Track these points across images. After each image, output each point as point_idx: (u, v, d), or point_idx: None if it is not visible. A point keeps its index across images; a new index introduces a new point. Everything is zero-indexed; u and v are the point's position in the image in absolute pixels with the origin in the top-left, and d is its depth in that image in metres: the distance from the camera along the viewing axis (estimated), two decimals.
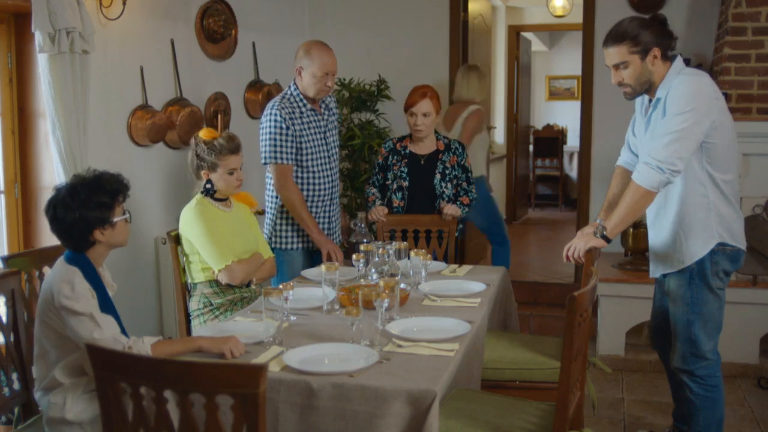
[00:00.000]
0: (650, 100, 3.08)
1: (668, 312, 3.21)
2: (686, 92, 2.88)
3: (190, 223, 3.29)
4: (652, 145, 2.93)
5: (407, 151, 4.15)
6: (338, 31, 5.74)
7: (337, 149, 4.08)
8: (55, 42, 3.53)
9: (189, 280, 3.39)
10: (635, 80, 3.01)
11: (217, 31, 4.90)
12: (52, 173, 3.74)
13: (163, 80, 4.53)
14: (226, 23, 4.97)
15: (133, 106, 4.30)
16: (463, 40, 5.92)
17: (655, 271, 3.20)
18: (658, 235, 3.15)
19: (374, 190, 4.19)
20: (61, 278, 2.38)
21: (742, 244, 3.07)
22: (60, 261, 2.49)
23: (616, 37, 3.00)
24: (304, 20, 6.01)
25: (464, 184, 4.14)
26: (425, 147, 4.14)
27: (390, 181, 4.15)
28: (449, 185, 4.11)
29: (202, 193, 3.36)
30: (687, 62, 5.12)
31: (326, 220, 3.97)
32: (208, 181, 3.34)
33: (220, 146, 3.28)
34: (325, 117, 3.96)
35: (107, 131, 4.14)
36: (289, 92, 3.86)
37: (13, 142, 3.88)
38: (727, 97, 4.75)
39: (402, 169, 4.12)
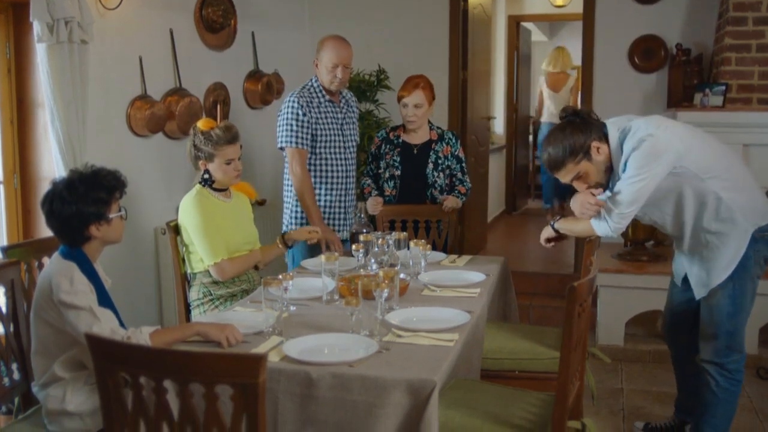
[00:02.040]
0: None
1: (688, 305, 3.23)
2: (638, 157, 2.87)
3: (187, 213, 3.28)
4: (616, 194, 2.93)
5: (400, 141, 4.16)
6: (337, 21, 5.72)
7: (354, 143, 4.14)
8: (54, 32, 3.52)
9: (189, 270, 3.39)
10: (599, 177, 3.01)
11: (216, 20, 4.89)
12: (52, 164, 3.73)
13: (162, 70, 4.52)
14: (226, 13, 4.95)
15: (132, 97, 4.29)
16: (462, 29, 5.90)
17: (705, 289, 3.08)
18: (698, 258, 3.09)
19: (369, 181, 4.21)
20: (59, 273, 2.37)
21: None
22: (56, 256, 2.48)
23: (555, 165, 2.99)
24: (303, 9, 5.99)
25: (459, 174, 4.15)
26: (418, 137, 4.14)
27: (382, 170, 4.16)
28: (441, 175, 4.11)
29: (200, 183, 3.36)
30: (688, 52, 5.18)
31: (341, 210, 4.04)
32: (206, 171, 3.33)
33: (217, 137, 3.26)
34: (344, 110, 4.05)
35: (106, 121, 4.12)
36: (309, 83, 3.98)
37: (12, 132, 3.87)
38: (728, 88, 4.74)
39: (395, 158, 4.13)
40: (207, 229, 3.24)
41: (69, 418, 2.43)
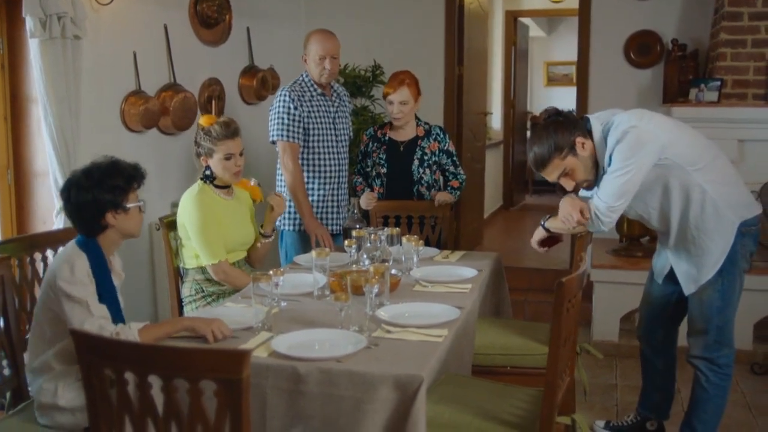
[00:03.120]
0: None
1: (668, 299, 3.23)
2: (623, 149, 2.86)
3: (188, 211, 3.26)
4: (604, 188, 2.92)
5: (387, 138, 4.13)
6: (333, 15, 5.71)
7: (347, 137, 4.15)
8: (47, 27, 3.52)
9: (182, 265, 3.39)
10: (586, 173, 2.98)
11: (211, 16, 4.89)
12: (45, 159, 3.73)
13: (156, 66, 4.52)
14: (220, 8, 4.94)
15: (126, 92, 4.29)
16: (458, 25, 5.89)
17: (695, 284, 3.07)
18: (686, 254, 3.08)
19: (360, 179, 4.20)
20: (64, 260, 2.41)
21: (757, 208, 3.05)
22: (71, 243, 2.51)
23: (541, 163, 2.96)
24: (299, 5, 5.97)
25: (451, 168, 4.13)
26: (405, 133, 4.11)
27: (370, 168, 4.15)
28: (428, 171, 4.09)
29: (201, 179, 3.34)
30: (683, 47, 5.18)
31: (334, 204, 4.05)
32: (207, 167, 3.32)
33: (216, 132, 3.25)
34: (336, 104, 4.06)
35: (100, 117, 4.12)
36: (300, 78, 4.00)
37: (6, 128, 3.87)
38: (723, 83, 4.74)
39: (381, 156, 4.11)
40: (207, 228, 3.21)
41: (60, 412, 2.43)
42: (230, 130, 3.28)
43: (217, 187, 3.35)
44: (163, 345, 2.11)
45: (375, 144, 4.14)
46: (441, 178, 4.18)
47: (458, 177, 4.13)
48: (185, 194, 3.33)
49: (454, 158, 4.15)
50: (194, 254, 3.31)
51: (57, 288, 2.36)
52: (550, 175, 2.99)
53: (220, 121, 3.30)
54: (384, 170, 4.10)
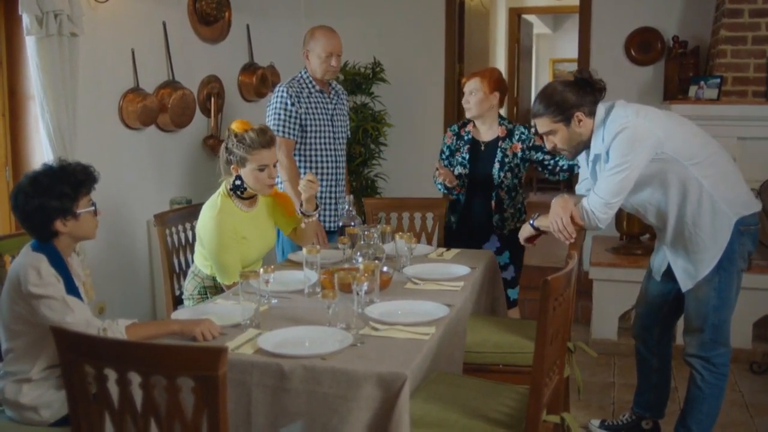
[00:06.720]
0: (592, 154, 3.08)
1: (665, 297, 3.23)
2: (619, 146, 2.87)
3: (207, 229, 3.12)
4: (601, 184, 2.93)
5: (470, 137, 3.96)
6: (333, 13, 5.69)
7: (344, 135, 4.14)
8: (43, 25, 3.53)
9: (193, 261, 3.32)
10: (567, 144, 3.03)
11: (210, 13, 4.89)
12: (43, 156, 3.74)
13: (154, 63, 4.53)
14: (219, 5, 4.95)
15: (124, 89, 4.30)
16: (459, 22, 5.88)
17: (692, 281, 3.05)
18: (683, 250, 3.07)
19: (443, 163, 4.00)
20: (27, 265, 2.33)
21: (757, 206, 3.04)
22: (26, 248, 2.44)
23: (537, 113, 3.01)
24: (299, 1, 5.97)
25: (546, 157, 3.86)
26: (487, 133, 3.94)
27: (452, 168, 3.96)
28: (509, 175, 3.87)
29: (231, 190, 3.17)
30: (684, 44, 5.15)
31: (332, 201, 4.05)
32: (238, 176, 3.14)
33: (251, 140, 3.06)
34: (334, 101, 4.06)
35: (98, 114, 4.14)
36: (299, 75, 4.00)
37: (4, 124, 3.89)
38: (723, 80, 4.71)
39: (464, 155, 3.93)
40: (225, 251, 3.09)
41: (24, 409, 2.40)
42: (266, 139, 3.10)
43: (242, 198, 3.20)
44: (141, 342, 2.10)
45: (459, 142, 3.96)
46: (516, 181, 3.94)
47: (560, 160, 3.84)
48: (206, 207, 3.18)
49: (544, 150, 3.84)
50: (210, 263, 3.21)
51: (27, 294, 2.29)
52: (539, 127, 3.04)
53: (256, 128, 3.11)
54: (466, 171, 3.92)
